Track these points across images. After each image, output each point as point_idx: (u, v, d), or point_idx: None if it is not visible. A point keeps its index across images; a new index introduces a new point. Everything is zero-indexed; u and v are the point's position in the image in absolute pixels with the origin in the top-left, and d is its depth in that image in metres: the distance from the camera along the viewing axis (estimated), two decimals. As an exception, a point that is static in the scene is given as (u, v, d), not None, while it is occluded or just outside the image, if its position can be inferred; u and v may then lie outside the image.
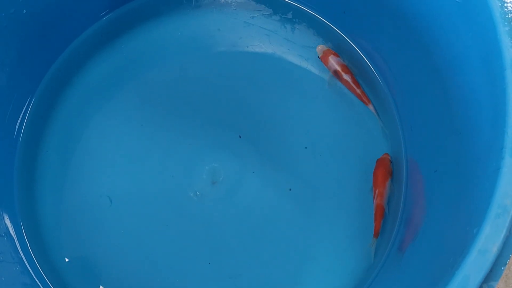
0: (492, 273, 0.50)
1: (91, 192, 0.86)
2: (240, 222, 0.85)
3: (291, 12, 0.92)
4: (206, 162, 0.87)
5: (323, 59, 0.89)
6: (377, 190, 0.83)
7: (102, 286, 0.83)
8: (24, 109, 0.87)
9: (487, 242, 0.49)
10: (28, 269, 0.82)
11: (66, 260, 0.84)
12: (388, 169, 0.84)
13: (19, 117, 0.87)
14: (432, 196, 0.72)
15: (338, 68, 0.88)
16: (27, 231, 0.84)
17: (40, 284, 0.82)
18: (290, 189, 0.86)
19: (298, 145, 0.87)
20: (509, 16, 0.57)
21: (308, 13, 0.91)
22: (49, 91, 0.89)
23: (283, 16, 0.92)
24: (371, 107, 0.88)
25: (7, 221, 0.82)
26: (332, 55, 0.88)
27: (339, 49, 0.90)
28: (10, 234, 0.82)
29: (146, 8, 0.93)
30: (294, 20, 0.92)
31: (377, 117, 0.88)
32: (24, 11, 0.78)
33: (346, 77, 0.88)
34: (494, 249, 0.49)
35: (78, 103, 0.90)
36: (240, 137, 0.87)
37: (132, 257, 0.84)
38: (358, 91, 0.88)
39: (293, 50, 0.91)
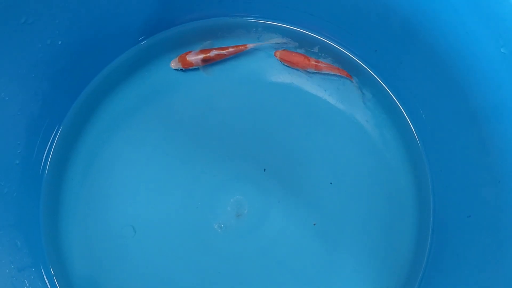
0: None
1: (115, 222, 0.86)
2: (264, 256, 0.85)
3: (318, 46, 0.92)
4: (231, 194, 0.87)
5: (186, 65, 0.90)
6: (311, 62, 0.89)
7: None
8: (51, 139, 0.87)
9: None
10: (53, 299, 0.81)
11: (90, 290, 0.84)
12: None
13: (46, 147, 0.87)
14: (464, 243, 0.72)
15: (201, 55, 0.89)
16: (52, 261, 0.84)
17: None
18: (314, 224, 0.86)
19: (323, 180, 0.87)
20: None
21: (336, 49, 0.92)
22: (76, 120, 0.89)
23: (308, 49, 0.92)
24: (251, 44, 0.90)
25: (33, 252, 0.81)
26: (186, 56, 0.89)
27: (365, 85, 0.90)
28: (37, 265, 0.81)
29: (173, 39, 0.93)
30: (319, 54, 0.92)
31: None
32: (60, 42, 0.78)
33: (213, 53, 0.90)
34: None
35: (103, 132, 0.90)
36: (265, 170, 0.87)
37: (155, 288, 0.84)
38: (229, 50, 0.90)
39: (312, 82, 0.91)
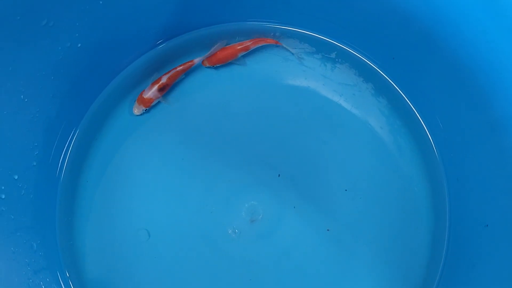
0: None
1: (130, 225, 0.86)
2: (278, 261, 0.85)
3: (335, 52, 0.92)
4: (245, 200, 0.87)
5: (147, 104, 0.89)
6: (237, 48, 0.90)
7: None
8: (68, 141, 0.87)
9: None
10: (68, 302, 0.82)
11: (104, 293, 0.84)
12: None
13: (63, 149, 0.87)
14: (481, 253, 0.71)
15: (155, 86, 0.88)
16: (67, 264, 0.84)
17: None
18: (328, 230, 0.86)
19: (338, 187, 0.87)
20: None
21: (353, 55, 0.91)
22: (93, 122, 0.90)
23: (325, 55, 0.92)
24: (197, 59, 0.90)
25: (49, 254, 0.81)
26: (142, 94, 0.88)
27: (382, 92, 0.90)
28: (52, 267, 0.81)
29: (191, 42, 0.93)
30: (336, 59, 0.92)
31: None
32: (79, 45, 0.78)
33: (164, 78, 0.89)
34: None
35: (120, 135, 0.90)
36: (279, 175, 0.87)
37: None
38: (178, 69, 0.89)
39: (328, 87, 0.91)
